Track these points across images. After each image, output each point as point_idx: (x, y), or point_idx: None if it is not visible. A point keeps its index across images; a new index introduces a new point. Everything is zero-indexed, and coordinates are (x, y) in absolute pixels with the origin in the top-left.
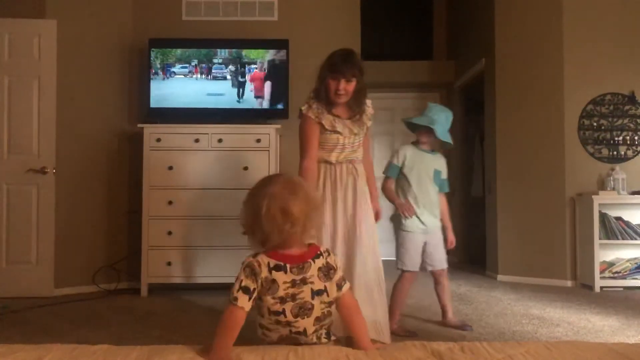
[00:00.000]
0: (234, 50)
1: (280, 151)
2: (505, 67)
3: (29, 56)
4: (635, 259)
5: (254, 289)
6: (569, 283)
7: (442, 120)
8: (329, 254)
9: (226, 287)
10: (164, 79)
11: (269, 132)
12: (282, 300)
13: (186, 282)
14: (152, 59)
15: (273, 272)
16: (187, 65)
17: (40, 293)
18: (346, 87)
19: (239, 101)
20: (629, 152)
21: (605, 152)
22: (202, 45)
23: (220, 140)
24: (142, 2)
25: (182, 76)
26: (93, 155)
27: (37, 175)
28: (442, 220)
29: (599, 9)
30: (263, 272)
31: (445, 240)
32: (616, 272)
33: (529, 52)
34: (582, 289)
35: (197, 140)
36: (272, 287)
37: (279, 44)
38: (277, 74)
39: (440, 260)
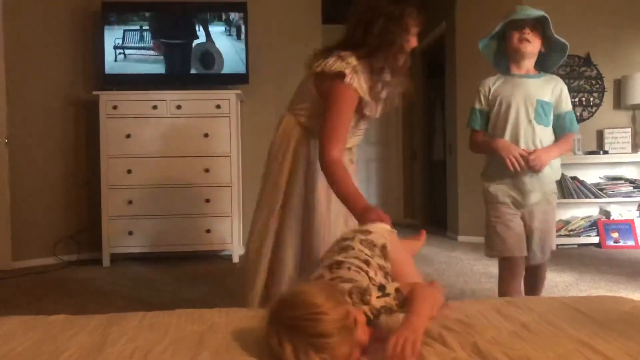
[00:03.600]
0: (192, 12)
1: (242, 117)
2: (465, 31)
3: None
4: (589, 217)
5: None
6: None
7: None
8: None
9: (187, 257)
10: (119, 43)
11: (229, 97)
12: None
13: (148, 251)
14: (105, 23)
15: None
16: (143, 29)
17: None
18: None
19: (197, 66)
20: (585, 114)
21: None
22: (159, 9)
23: (179, 107)
24: None
25: (138, 41)
26: (48, 124)
27: None
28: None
29: None
30: None
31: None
32: (571, 230)
33: (489, 16)
34: None
35: (155, 107)
36: None
37: (237, 7)
38: (236, 37)
39: (540, 247)
